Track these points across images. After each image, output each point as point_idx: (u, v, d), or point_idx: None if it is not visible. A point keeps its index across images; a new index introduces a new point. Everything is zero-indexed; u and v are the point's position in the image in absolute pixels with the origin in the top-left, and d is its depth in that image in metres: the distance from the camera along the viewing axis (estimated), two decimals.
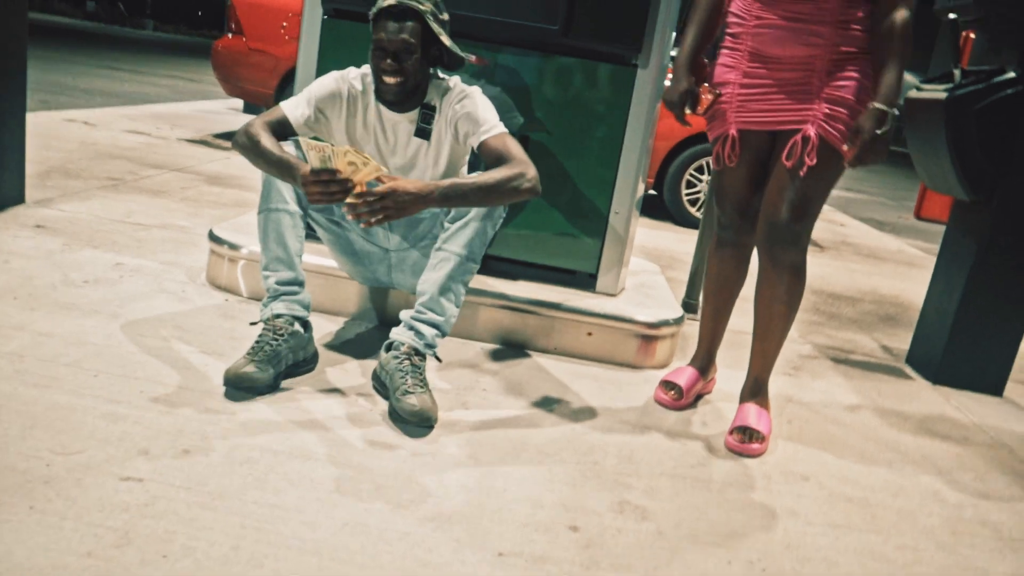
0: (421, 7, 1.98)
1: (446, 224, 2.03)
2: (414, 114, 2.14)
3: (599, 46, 2.42)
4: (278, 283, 2.04)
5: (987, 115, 2.62)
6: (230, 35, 5.80)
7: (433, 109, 2.14)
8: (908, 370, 3.11)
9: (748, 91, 2.02)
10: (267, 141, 1.96)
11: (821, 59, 1.92)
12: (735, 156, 2.09)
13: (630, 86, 2.48)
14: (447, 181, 1.89)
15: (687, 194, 5.53)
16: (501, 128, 2.09)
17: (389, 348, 2.01)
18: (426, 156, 2.18)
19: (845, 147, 1.88)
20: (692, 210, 5.58)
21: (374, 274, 2.33)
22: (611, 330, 2.53)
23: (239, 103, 8.77)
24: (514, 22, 2.39)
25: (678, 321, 2.60)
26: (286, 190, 2.02)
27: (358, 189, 1.82)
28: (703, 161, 5.42)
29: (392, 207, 1.83)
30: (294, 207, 2.04)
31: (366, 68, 2.15)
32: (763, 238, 2.08)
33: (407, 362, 1.93)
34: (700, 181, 5.51)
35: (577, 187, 2.59)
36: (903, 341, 3.47)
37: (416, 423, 1.86)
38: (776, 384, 2.54)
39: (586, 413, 2.13)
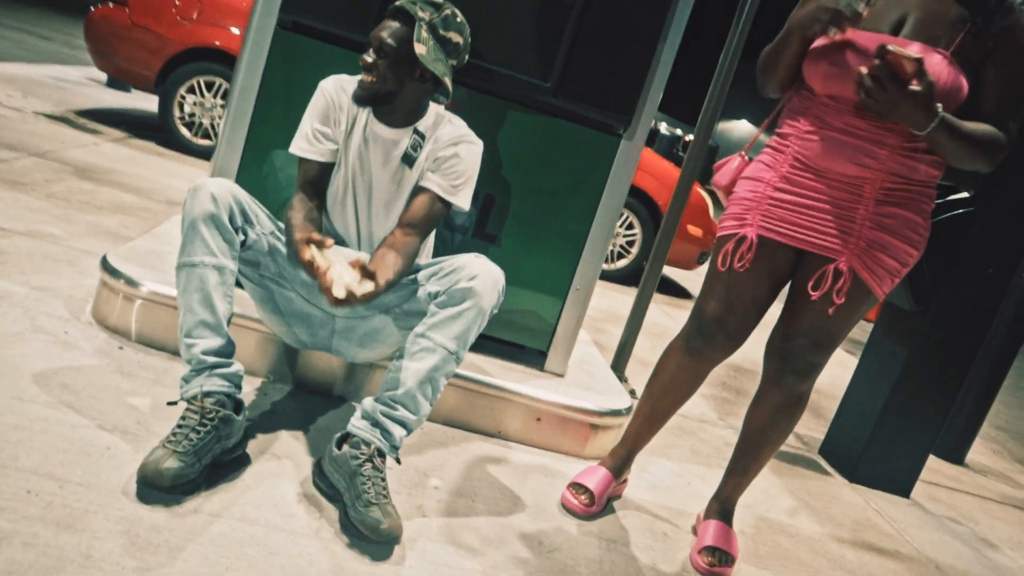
0: (419, 13, 1.77)
1: (433, 308, 1.75)
2: (405, 136, 1.89)
3: (588, 111, 2.23)
4: (204, 353, 1.68)
5: (936, 232, 2.66)
6: (111, 3, 5.14)
7: (423, 137, 1.90)
8: (823, 463, 3.12)
9: (782, 197, 1.83)
10: (290, 212, 1.85)
11: (872, 185, 1.74)
12: (748, 261, 1.87)
13: (611, 156, 2.31)
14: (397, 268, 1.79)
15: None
16: (461, 203, 1.92)
17: (343, 442, 1.70)
18: (405, 186, 1.93)
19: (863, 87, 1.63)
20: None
21: (311, 337, 1.99)
22: (560, 418, 2.33)
23: (102, 75, 7.87)
24: (504, 72, 2.15)
25: (628, 411, 2.43)
26: (212, 238, 1.69)
27: (336, 290, 1.60)
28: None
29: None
30: (223, 260, 1.70)
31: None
32: (776, 366, 1.94)
33: (369, 465, 1.64)
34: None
35: (539, 258, 2.38)
36: (813, 429, 3.51)
37: (379, 540, 1.57)
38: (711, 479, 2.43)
39: (548, 518, 1.91)
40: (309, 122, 1.89)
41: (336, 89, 1.89)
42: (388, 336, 1.96)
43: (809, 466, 3.04)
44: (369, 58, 1.78)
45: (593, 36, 2.17)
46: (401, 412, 1.71)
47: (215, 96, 5.06)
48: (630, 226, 5.45)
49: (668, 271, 6.70)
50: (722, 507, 2.09)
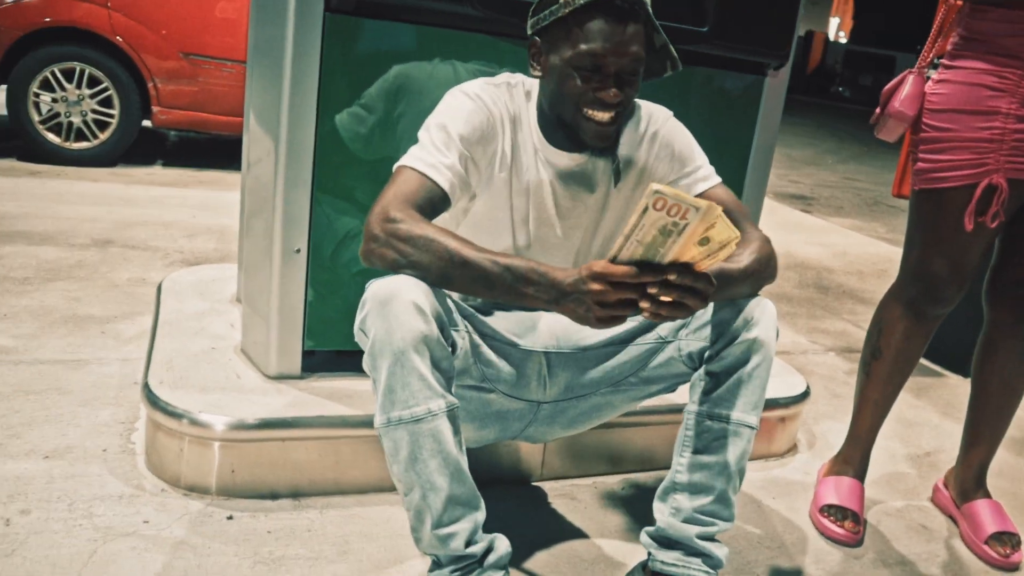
0: None
1: (705, 374, 1.27)
2: (587, 156, 1.35)
3: (745, 53, 1.72)
4: (470, 544, 1.14)
5: None
6: None
7: (616, 143, 1.37)
8: (925, 361, 2.92)
9: None
10: (454, 242, 1.13)
11: None
12: (1002, 214, 1.53)
13: (758, 97, 1.83)
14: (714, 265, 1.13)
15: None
16: (716, 176, 1.41)
17: None
18: (592, 214, 1.40)
19: None
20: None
21: (501, 433, 1.47)
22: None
23: None
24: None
25: (807, 394, 2.07)
26: (430, 371, 1.12)
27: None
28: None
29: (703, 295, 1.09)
30: (450, 398, 1.15)
31: (523, 81, 1.35)
32: (1013, 315, 1.68)
33: None
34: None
35: None
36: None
37: None
38: (892, 431, 2.15)
39: (820, 557, 1.55)
40: (452, 133, 1.25)
41: (502, 104, 1.31)
42: (609, 412, 1.47)
43: (921, 370, 2.82)
44: (619, 92, 1.21)
45: None
46: (719, 525, 1.27)
47: (79, 86, 4.04)
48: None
49: None
50: (977, 481, 1.82)
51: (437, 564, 1.20)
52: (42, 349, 2.04)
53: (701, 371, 1.30)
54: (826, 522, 1.71)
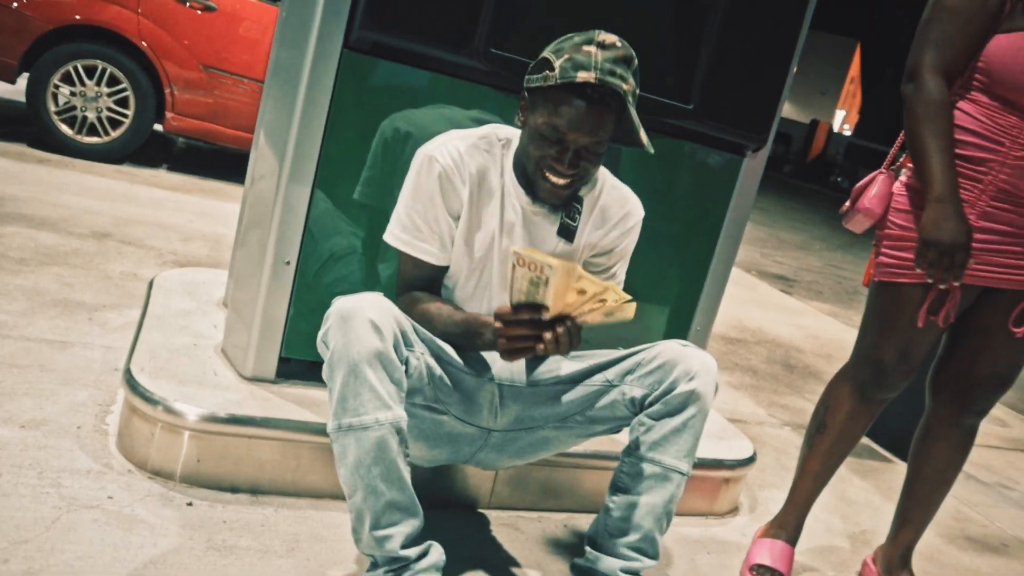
0: (624, 86, 1.31)
1: (645, 419, 1.38)
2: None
3: (725, 132, 1.86)
4: (405, 546, 1.23)
5: None
6: None
7: (580, 202, 1.49)
8: (875, 445, 3.03)
9: (985, 237, 1.58)
10: (435, 307, 1.45)
11: None
12: (952, 314, 1.64)
13: (735, 176, 1.97)
14: None
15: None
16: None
17: None
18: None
19: None
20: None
21: (452, 456, 1.57)
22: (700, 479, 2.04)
23: None
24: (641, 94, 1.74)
25: (753, 459, 2.17)
26: (381, 384, 1.23)
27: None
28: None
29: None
30: (398, 411, 1.26)
31: (506, 134, 1.47)
32: (955, 407, 1.78)
33: None
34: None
35: (659, 296, 2.02)
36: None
37: None
38: (834, 507, 2.24)
39: None
40: (429, 214, 1.43)
41: (456, 165, 1.43)
42: (557, 445, 1.57)
43: (871, 454, 2.93)
44: (574, 163, 1.35)
45: (734, 50, 1.79)
46: (643, 562, 1.36)
47: (98, 84, 4.19)
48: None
49: None
50: (903, 559, 1.92)
51: (374, 564, 1.28)
52: (31, 327, 2.12)
53: (641, 416, 1.40)
54: None
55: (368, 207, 1.74)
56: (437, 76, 1.71)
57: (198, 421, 1.60)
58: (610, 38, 1.32)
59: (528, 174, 1.42)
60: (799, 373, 3.81)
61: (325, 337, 1.25)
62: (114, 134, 4.30)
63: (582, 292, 1.25)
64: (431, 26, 1.62)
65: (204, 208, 3.99)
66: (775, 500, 2.28)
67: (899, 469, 2.85)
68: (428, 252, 1.45)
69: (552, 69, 1.31)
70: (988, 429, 3.67)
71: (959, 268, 1.51)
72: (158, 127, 4.52)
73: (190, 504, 1.55)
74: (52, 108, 4.15)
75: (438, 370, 1.40)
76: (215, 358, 1.85)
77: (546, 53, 1.35)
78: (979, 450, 3.29)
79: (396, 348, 1.25)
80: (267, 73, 2.10)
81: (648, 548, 1.37)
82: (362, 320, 1.22)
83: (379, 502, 1.23)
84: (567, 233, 1.47)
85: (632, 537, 1.36)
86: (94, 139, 4.27)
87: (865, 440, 3.07)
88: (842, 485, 2.53)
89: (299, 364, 1.83)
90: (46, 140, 4.19)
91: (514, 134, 1.49)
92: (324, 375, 1.26)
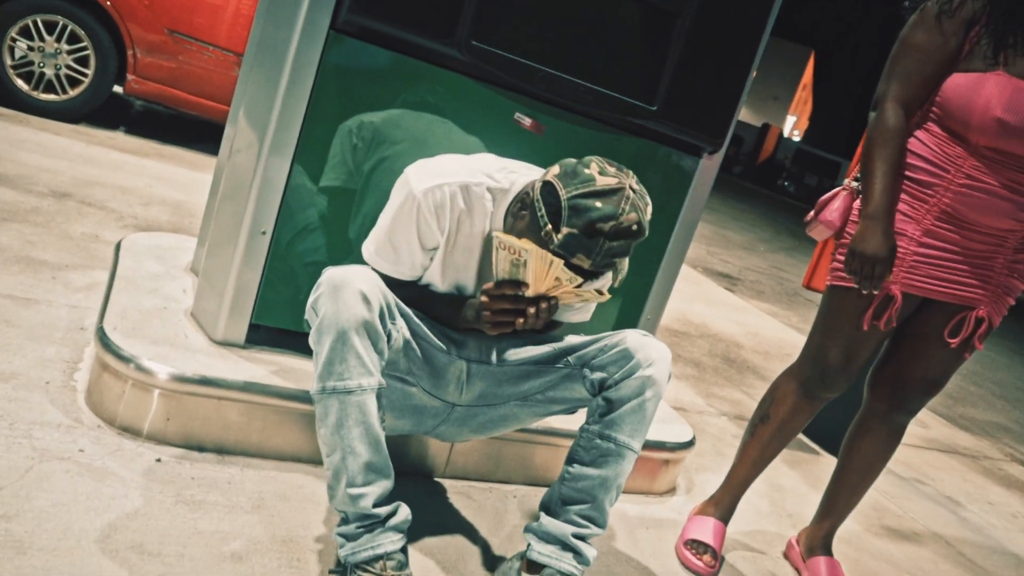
0: (612, 271, 1.55)
1: (603, 401, 1.49)
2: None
3: (684, 134, 1.97)
4: (377, 505, 1.32)
5: None
6: None
7: None
8: (806, 440, 3.22)
9: (927, 252, 1.73)
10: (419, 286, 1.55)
11: (1016, 235, 1.73)
12: (894, 320, 1.78)
13: (690, 177, 2.08)
14: None
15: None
16: None
17: (531, 570, 1.43)
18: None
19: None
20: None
21: (415, 427, 1.65)
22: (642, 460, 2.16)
23: None
24: (605, 92, 1.83)
25: (692, 443, 2.31)
26: (366, 352, 1.32)
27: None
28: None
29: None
30: (379, 377, 1.35)
31: (502, 176, 1.52)
32: (887, 405, 1.94)
33: None
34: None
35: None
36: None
37: None
38: (765, 493, 2.40)
39: None
40: (404, 246, 1.50)
41: (437, 212, 1.48)
42: (516, 422, 1.67)
43: (802, 447, 3.11)
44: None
45: (699, 56, 1.90)
46: (592, 529, 1.47)
47: (59, 40, 4.11)
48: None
49: None
50: (824, 541, 2.07)
51: (345, 520, 1.37)
52: None
53: (600, 397, 1.51)
54: (688, 554, 1.93)
55: (349, 185, 1.81)
56: (419, 64, 1.77)
57: (168, 380, 1.66)
58: (631, 218, 1.35)
59: None
60: (738, 367, 3.99)
61: (315, 304, 1.33)
62: (72, 92, 4.23)
63: (558, 279, 1.40)
64: (416, 14, 1.69)
65: (163, 173, 3.97)
66: (710, 483, 2.43)
67: (826, 462, 3.04)
68: (400, 272, 1.53)
69: (557, 230, 1.36)
70: (910, 430, 3.90)
71: (878, 279, 1.67)
72: (117, 89, 4.46)
73: (159, 460, 1.61)
74: (8, 61, 4.06)
75: (414, 344, 1.49)
76: (185, 321, 1.89)
77: (562, 193, 1.36)
78: (900, 448, 3.50)
79: (382, 319, 1.34)
80: (248, 47, 2.14)
81: (598, 517, 1.48)
82: (353, 291, 1.30)
83: (356, 462, 1.32)
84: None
85: (584, 506, 1.47)
86: (50, 96, 4.19)
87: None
88: (773, 473, 2.69)
89: (269, 331, 1.89)
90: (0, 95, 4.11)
91: (515, 181, 1.51)
92: (311, 340, 1.34)
